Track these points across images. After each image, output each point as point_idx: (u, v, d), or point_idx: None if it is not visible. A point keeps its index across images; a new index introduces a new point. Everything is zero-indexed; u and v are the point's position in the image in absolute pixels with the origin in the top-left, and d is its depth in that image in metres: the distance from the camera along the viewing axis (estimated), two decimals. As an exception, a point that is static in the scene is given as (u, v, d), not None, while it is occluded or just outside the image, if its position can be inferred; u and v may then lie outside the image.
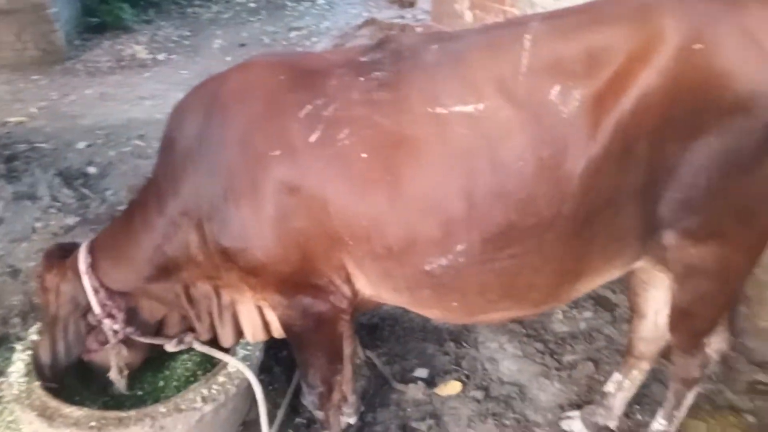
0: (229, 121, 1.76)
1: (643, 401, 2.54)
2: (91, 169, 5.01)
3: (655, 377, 2.58)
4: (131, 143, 5.62)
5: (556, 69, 1.52)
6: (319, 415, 2.15)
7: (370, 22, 8.10)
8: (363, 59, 1.70)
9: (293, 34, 9.22)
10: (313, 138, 1.65)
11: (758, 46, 1.44)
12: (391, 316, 3.15)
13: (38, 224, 4.10)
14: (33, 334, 2.30)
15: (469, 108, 1.54)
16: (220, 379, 2.13)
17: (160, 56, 8.60)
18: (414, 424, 2.52)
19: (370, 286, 1.85)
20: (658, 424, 2.13)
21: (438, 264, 1.66)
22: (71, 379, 2.25)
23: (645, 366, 2.27)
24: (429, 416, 2.55)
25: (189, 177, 1.84)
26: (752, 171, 1.52)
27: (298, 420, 2.55)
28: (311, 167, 1.66)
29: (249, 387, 2.21)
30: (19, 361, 2.17)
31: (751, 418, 2.47)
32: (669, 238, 1.65)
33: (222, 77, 1.87)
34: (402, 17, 7.82)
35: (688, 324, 1.87)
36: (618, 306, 3.16)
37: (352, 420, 2.51)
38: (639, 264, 1.78)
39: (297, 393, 2.60)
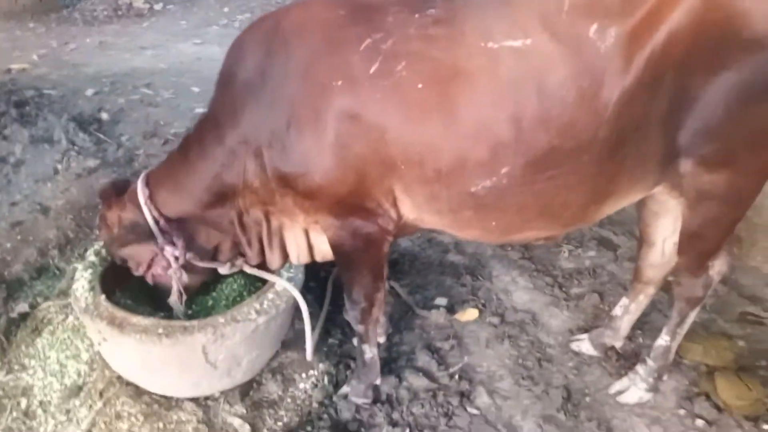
0: (292, 54, 1.90)
1: (644, 327, 2.80)
2: (104, 115, 5.08)
3: (654, 307, 2.84)
4: (139, 91, 5.67)
5: (594, 8, 1.70)
6: (360, 329, 2.36)
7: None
8: None
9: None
10: (372, 69, 1.81)
11: None
12: (410, 252, 3.38)
13: (59, 166, 4.19)
14: (91, 255, 2.47)
15: (518, 43, 1.72)
16: (270, 295, 2.33)
17: (157, 6, 8.54)
18: (438, 344, 2.76)
19: (415, 210, 2.04)
20: (662, 339, 2.39)
21: (483, 186, 1.86)
22: (126, 303, 2.42)
23: (651, 291, 2.51)
24: (451, 337, 2.79)
25: (249, 108, 1.99)
26: (763, 104, 1.73)
27: (330, 341, 2.78)
28: (371, 97, 1.83)
29: (291, 306, 2.41)
30: (83, 279, 2.34)
31: (741, 343, 2.75)
32: (686, 165, 1.87)
33: (281, 13, 2.00)
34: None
35: (696, 246, 2.10)
36: (619, 246, 3.42)
37: (382, 339, 2.75)
38: (658, 189, 1.99)
39: (328, 317, 2.82)
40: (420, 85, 1.79)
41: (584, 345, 2.71)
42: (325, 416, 2.43)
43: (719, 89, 1.72)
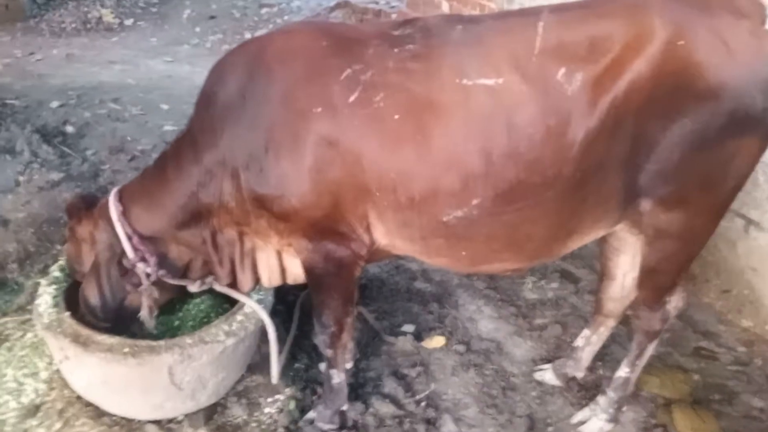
0: (273, 79, 1.95)
1: (605, 359, 2.88)
2: (69, 128, 5.00)
3: (614, 339, 2.93)
4: (106, 106, 5.60)
5: (562, 53, 1.81)
6: (328, 353, 2.36)
7: (342, 4, 8.20)
8: (395, 33, 1.93)
9: (264, 10, 9.23)
10: (351, 98, 1.87)
11: (725, 45, 1.76)
12: (378, 278, 3.40)
13: (21, 178, 4.09)
14: (56, 271, 2.41)
15: (490, 81, 1.81)
16: (239, 317, 2.32)
17: (128, 22, 8.51)
18: (404, 371, 2.78)
19: (388, 236, 2.08)
20: (622, 371, 2.47)
21: (454, 215, 1.92)
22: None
23: (611, 323, 2.60)
24: (418, 364, 2.81)
25: (228, 129, 2.01)
26: (716, 149, 1.85)
27: (297, 365, 2.77)
28: (349, 124, 1.88)
29: (259, 329, 2.40)
30: (46, 294, 2.28)
31: (696, 377, 2.85)
32: (645, 205, 1.97)
33: (266, 39, 2.05)
34: (376, 2, 8.00)
35: (654, 281, 2.20)
36: (581, 279, 3.52)
37: (349, 365, 2.74)
38: (619, 226, 2.09)
39: (295, 341, 2.81)
40: (396, 116, 1.85)
41: (547, 375, 2.77)
42: (290, 442, 2.41)
43: (675, 135, 1.83)
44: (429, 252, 2.11)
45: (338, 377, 2.43)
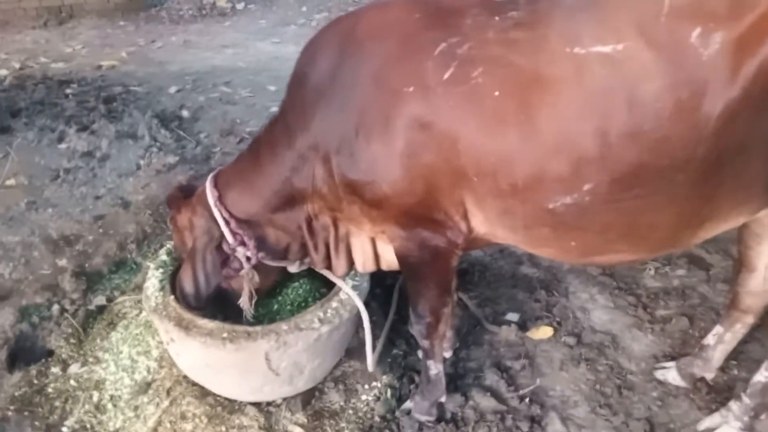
0: (364, 58, 1.83)
1: (740, 358, 2.55)
2: (185, 113, 5.24)
3: (753, 336, 2.56)
4: (218, 89, 5.82)
5: (698, 11, 1.51)
6: (425, 344, 2.26)
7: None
8: None
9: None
10: (446, 75, 1.70)
11: None
12: (480, 263, 3.24)
13: (142, 161, 4.35)
14: (163, 254, 2.50)
15: (608, 48, 1.55)
16: (334, 304, 2.27)
17: (239, 5, 8.77)
18: (508, 363, 2.62)
19: (487, 224, 1.92)
20: (761, 375, 2.13)
21: (562, 202, 1.70)
22: None
23: (749, 320, 2.27)
24: (522, 356, 2.64)
25: (320, 112, 1.93)
26: None
27: (395, 351, 2.69)
28: (444, 104, 1.72)
29: (355, 316, 2.35)
30: (154, 278, 2.37)
31: None
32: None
33: (357, 15, 1.93)
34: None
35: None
36: (712, 266, 3.14)
37: (447, 354, 2.64)
38: (764, 213, 1.77)
39: (393, 326, 2.74)
40: (497, 93, 1.66)
41: (670, 374, 2.48)
42: (387, 431, 2.34)
43: None
44: (533, 242, 1.92)
45: (435, 368, 2.32)
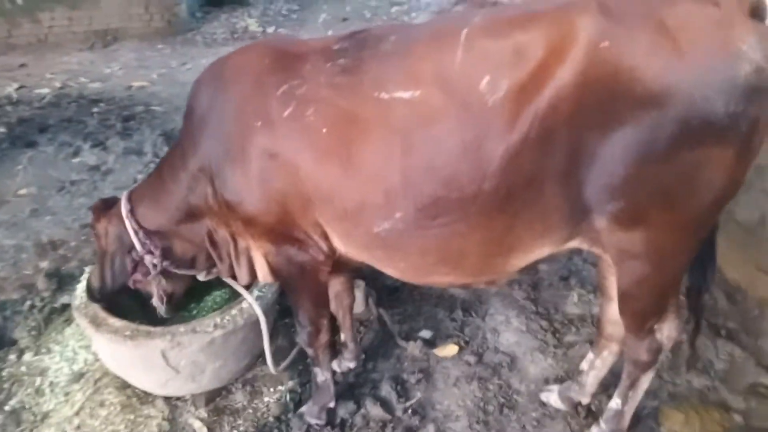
0: (228, 95, 2.11)
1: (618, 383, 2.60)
2: (190, 131, 5.66)
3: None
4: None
5: (487, 60, 1.69)
6: (309, 351, 2.48)
7: (467, -2, 8.12)
8: (335, 47, 1.96)
9: (394, 8, 9.47)
10: (286, 113, 1.95)
11: (672, 41, 1.51)
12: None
13: (139, 176, 4.78)
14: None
15: (407, 94, 1.76)
16: (233, 311, 2.53)
17: (270, 29, 9.26)
18: (405, 376, 2.79)
19: (341, 244, 2.13)
20: (614, 402, 2.23)
21: (383, 227, 1.91)
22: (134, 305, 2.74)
23: (614, 348, 2.35)
24: (420, 371, 2.80)
25: (203, 140, 2.21)
26: (671, 161, 1.60)
27: (308, 360, 2.90)
28: (285, 137, 1.97)
29: (255, 323, 2.58)
30: (85, 281, 2.72)
31: (738, 418, 2.47)
32: (600, 221, 1.77)
33: (226, 58, 2.22)
34: (498, -6, 7.75)
35: (630, 306, 1.96)
36: (637, 294, 3.18)
37: (352, 365, 2.84)
38: (574, 244, 1.90)
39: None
40: (324, 130, 1.89)
41: (552, 397, 2.59)
42: (276, 431, 2.57)
43: (617, 146, 1.62)
44: (376, 262, 2.12)
45: (322, 375, 2.54)
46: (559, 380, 2.72)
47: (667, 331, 2.06)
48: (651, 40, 1.54)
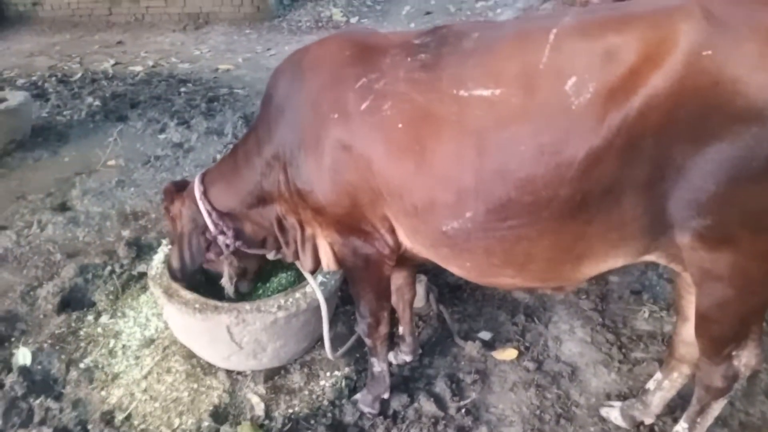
0: (305, 86, 2.14)
1: (686, 407, 2.47)
2: (269, 115, 5.81)
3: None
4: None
5: (574, 62, 1.63)
6: (368, 342, 2.51)
7: (555, -5, 7.90)
8: (416, 42, 1.94)
9: (479, 4, 9.34)
10: (363, 106, 1.96)
11: None
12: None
13: (218, 156, 4.97)
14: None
15: (487, 92, 1.72)
16: (297, 295, 2.59)
17: (353, 19, 9.35)
18: (461, 375, 2.77)
19: (407, 239, 2.13)
20: (680, 426, 2.12)
21: (451, 226, 1.89)
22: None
23: (685, 370, 2.24)
24: (477, 372, 2.77)
25: (279, 128, 2.26)
26: (765, 181, 1.49)
27: (366, 348, 2.94)
28: (360, 130, 1.97)
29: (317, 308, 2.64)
30: (161, 252, 2.86)
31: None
32: (682, 238, 1.67)
33: (306, 49, 2.25)
34: (588, -8, 7.46)
35: (708, 330, 1.85)
36: (714, 316, 3.00)
37: (409, 358, 2.85)
38: (651, 258, 1.81)
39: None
40: (400, 125, 1.88)
41: (613, 413, 2.49)
42: (329, 415, 2.61)
43: (710, 161, 1.53)
44: (441, 260, 2.10)
45: (378, 366, 2.56)
46: (621, 397, 2.61)
47: (746, 358, 1.93)
48: (758, 52, 1.43)
